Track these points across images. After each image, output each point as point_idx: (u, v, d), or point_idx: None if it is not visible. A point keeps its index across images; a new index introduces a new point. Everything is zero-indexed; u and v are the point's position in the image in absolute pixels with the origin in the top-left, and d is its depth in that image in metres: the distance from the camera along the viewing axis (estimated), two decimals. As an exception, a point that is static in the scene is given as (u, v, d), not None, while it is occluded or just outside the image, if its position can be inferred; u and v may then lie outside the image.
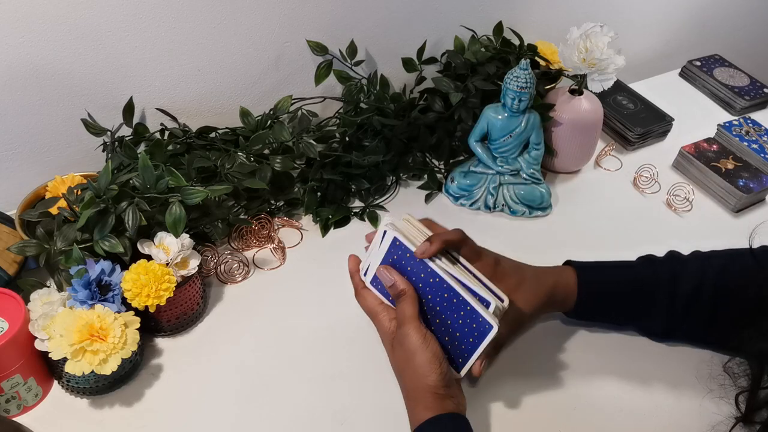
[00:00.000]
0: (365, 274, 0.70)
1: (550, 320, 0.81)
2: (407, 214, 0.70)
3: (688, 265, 0.74)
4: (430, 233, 0.67)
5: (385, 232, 0.67)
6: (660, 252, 0.77)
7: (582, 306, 0.73)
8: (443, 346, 0.64)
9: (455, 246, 0.67)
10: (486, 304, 0.62)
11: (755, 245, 0.72)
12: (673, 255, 0.76)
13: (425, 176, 1.00)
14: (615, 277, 0.74)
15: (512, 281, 0.69)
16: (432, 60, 1.05)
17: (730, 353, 0.73)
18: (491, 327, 0.61)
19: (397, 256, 0.66)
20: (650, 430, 0.71)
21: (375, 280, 0.68)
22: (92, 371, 0.64)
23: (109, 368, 0.65)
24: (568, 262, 0.76)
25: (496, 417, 0.71)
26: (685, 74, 1.33)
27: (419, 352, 0.61)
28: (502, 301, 0.63)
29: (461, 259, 0.67)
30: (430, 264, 0.64)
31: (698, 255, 0.76)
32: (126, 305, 0.70)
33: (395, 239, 0.66)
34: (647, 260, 0.76)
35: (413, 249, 0.64)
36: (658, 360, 0.77)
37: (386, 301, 0.68)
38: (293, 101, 0.96)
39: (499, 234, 0.94)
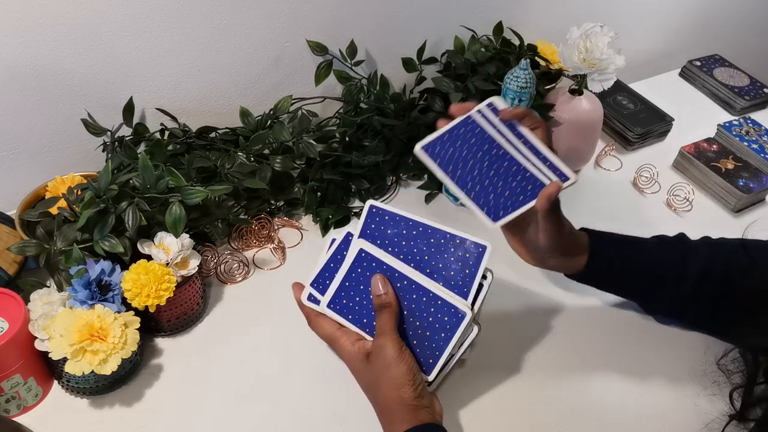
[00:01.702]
0: (317, 293, 0.68)
1: (548, 322, 0.81)
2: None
3: (698, 250, 0.74)
4: None
5: (340, 241, 0.68)
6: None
7: (591, 272, 0.73)
8: (414, 351, 0.64)
9: (520, 117, 0.66)
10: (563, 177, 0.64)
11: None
12: (683, 238, 0.77)
13: (425, 176, 1.00)
14: (627, 252, 0.74)
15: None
16: (432, 60, 1.05)
17: (729, 341, 0.74)
18: (464, 315, 0.63)
19: (361, 269, 0.66)
20: (647, 427, 0.71)
21: (336, 300, 0.66)
22: (92, 371, 0.64)
23: (109, 368, 0.65)
24: (583, 229, 0.75)
25: (496, 417, 0.71)
26: (685, 74, 1.33)
27: (395, 364, 0.61)
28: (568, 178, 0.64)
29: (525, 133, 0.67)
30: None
31: (708, 241, 0.77)
32: (126, 305, 0.70)
33: (361, 250, 0.66)
34: (660, 240, 0.76)
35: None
36: (653, 358, 0.78)
37: (345, 323, 0.66)
38: (293, 101, 0.96)
39: (499, 234, 0.93)
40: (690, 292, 0.72)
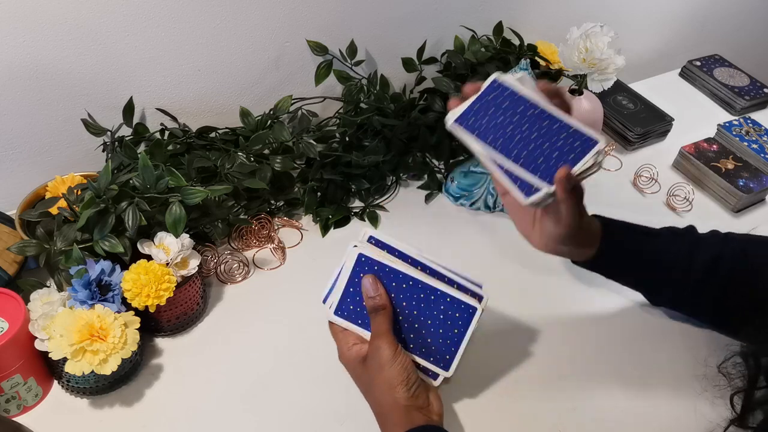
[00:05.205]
0: (327, 299, 0.66)
1: (548, 321, 0.81)
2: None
3: (707, 242, 0.74)
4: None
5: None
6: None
7: (601, 260, 0.73)
8: (425, 354, 0.64)
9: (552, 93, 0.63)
10: (592, 143, 0.59)
11: None
12: (693, 230, 0.76)
13: (425, 176, 1.00)
14: (638, 242, 0.74)
15: None
16: (432, 60, 1.05)
17: (731, 336, 0.74)
18: (475, 309, 0.62)
19: (364, 273, 0.65)
20: (646, 430, 0.71)
21: (342, 307, 0.66)
22: (92, 371, 0.64)
23: (109, 368, 0.65)
24: (595, 216, 0.74)
25: (496, 417, 0.71)
26: (685, 74, 1.33)
27: (388, 365, 0.61)
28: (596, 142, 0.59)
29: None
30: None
31: (717, 233, 0.77)
32: (126, 305, 0.70)
33: (360, 255, 0.65)
34: (670, 230, 0.76)
35: None
36: (654, 361, 0.78)
37: (352, 326, 0.66)
38: (293, 101, 0.97)
39: (499, 234, 0.94)
40: (695, 283, 0.72)
